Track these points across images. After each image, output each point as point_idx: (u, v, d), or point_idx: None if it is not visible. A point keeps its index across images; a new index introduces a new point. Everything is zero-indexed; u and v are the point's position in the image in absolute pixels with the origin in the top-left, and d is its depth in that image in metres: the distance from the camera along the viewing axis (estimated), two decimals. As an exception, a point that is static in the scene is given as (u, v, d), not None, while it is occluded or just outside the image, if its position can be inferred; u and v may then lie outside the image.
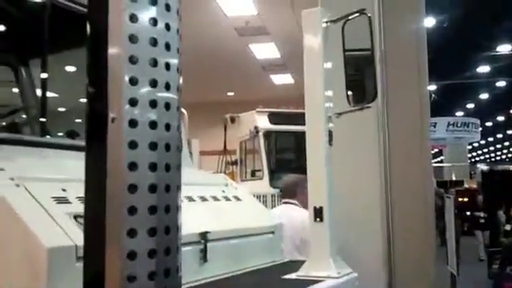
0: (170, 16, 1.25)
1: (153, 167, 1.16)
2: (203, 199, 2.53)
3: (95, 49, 1.18)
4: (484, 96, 28.30)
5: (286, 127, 8.86)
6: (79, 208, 1.70)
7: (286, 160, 9.44)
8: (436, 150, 29.93)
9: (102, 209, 1.16)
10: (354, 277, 2.53)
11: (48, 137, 2.58)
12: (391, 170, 4.23)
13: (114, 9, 1.17)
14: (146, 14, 1.18)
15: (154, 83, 1.19)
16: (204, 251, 2.19)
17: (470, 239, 14.35)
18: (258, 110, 9.01)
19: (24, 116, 3.08)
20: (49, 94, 2.88)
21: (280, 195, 5.08)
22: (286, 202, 4.87)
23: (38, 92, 3.11)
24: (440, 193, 13.50)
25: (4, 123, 2.81)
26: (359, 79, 2.95)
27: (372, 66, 2.81)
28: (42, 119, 2.74)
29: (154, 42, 1.18)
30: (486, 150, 53.39)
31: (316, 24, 2.60)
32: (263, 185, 8.17)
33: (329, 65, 2.64)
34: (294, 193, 4.87)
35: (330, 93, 2.64)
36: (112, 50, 1.16)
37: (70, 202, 1.75)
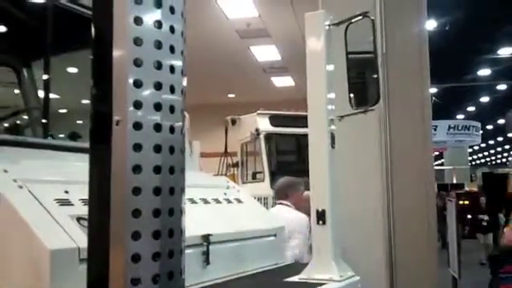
0: (175, 18, 1.25)
1: (157, 170, 1.16)
2: (205, 201, 2.53)
3: (100, 51, 1.18)
4: (485, 99, 28.30)
5: (287, 129, 8.87)
6: (82, 210, 1.70)
7: (287, 162, 9.44)
8: (437, 152, 29.93)
9: (106, 211, 1.16)
10: (356, 280, 2.53)
11: (50, 139, 2.58)
12: (393, 173, 4.23)
13: (119, 11, 1.17)
14: (151, 17, 1.18)
15: (158, 86, 1.18)
16: (206, 254, 2.19)
17: (471, 242, 14.33)
18: (259, 112, 9.02)
19: (26, 118, 3.08)
20: (51, 96, 2.88)
21: (274, 196, 5.14)
22: (280, 203, 4.90)
23: (41, 94, 3.11)
24: (442, 196, 13.50)
25: (7, 125, 2.81)
26: (362, 82, 2.95)
27: (375, 68, 2.81)
28: (45, 121, 2.74)
29: (158, 45, 1.18)
30: (486, 153, 53.36)
31: (319, 27, 2.60)
32: (264, 187, 8.17)
33: (331, 67, 2.64)
34: (285, 194, 4.91)
35: (332, 95, 2.63)
36: (116, 53, 1.16)
37: (72, 204, 1.75)
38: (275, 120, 8.99)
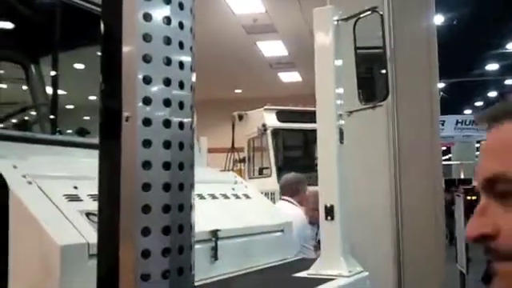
0: (184, 14, 1.25)
1: (166, 166, 1.16)
2: (213, 197, 2.53)
3: (109, 47, 1.18)
4: (492, 94, 28.16)
5: (294, 125, 8.86)
6: (91, 206, 1.71)
7: (294, 158, 9.44)
8: (444, 148, 29.83)
9: (115, 207, 1.16)
10: (365, 275, 2.53)
11: (58, 135, 2.59)
12: (401, 168, 4.22)
13: (128, 8, 1.17)
14: (160, 13, 1.18)
15: (167, 82, 1.18)
16: (215, 249, 2.19)
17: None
18: (266, 107, 9.01)
19: (34, 114, 3.09)
20: (59, 92, 2.89)
21: (281, 192, 5.11)
22: (284, 199, 4.89)
23: (49, 90, 3.12)
24: (450, 191, 13.44)
25: (15, 121, 2.82)
26: (370, 77, 2.94)
27: (383, 64, 2.80)
28: (53, 117, 2.75)
29: (167, 41, 1.18)
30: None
31: (327, 22, 2.59)
32: (271, 182, 8.17)
33: (339, 63, 2.63)
34: (295, 190, 4.89)
35: (340, 90, 2.63)
36: (126, 49, 1.16)
37: (81, 200, 1.75)
38: (282, 115, 8.98)
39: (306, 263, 2.65)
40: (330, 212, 2.50)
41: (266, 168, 8.94)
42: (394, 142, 4.22)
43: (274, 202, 6.69)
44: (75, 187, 1.81)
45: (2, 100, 3.31)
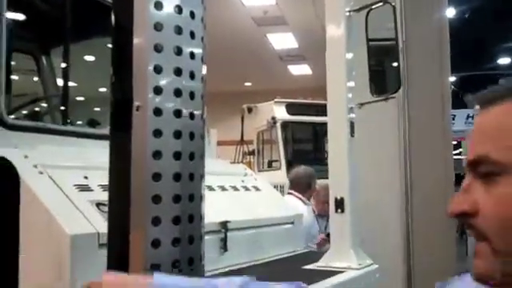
0: (195, 3, 1.24)
1: (177, 156, 1.16)
2: (223, 189, 2.53)
3: (120, 36, 1.18)
4: (505, 88, 27.85)
5: (304, 118, 8.84)
6: (101, 196, 1.71)
7: (304, 151, 9.42)
8: (454, 142, 29.64)
9: (126, 197, 1.16)
10: (374, 268, 2.52)
11: (69, 125, 2.60)
12: (412, 161, 4.19)
13: (139, -4, 1.16)
14: (171, 2, 1.17)
15: (178, 72, 1.18)
16: (224, 240, 2.19)
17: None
18: (275, 100, 8.99)
19: (46, 105, 3.11)
20: (70, 83, 2.89)
21: (290, 186, 5.04)
22: (291, 194, 4.84)
23: (60, 81, 3.13)
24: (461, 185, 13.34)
25: (26, 111, 2.84)
26: (382, 69, 2.92)
27: (395, 56, 2.77)
28: (64, 108, 2.75)
29: (178, 30, 1.18)
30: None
31: (339, 13, 2.57)
32: (280, 175, 8.16)
33: (351, 55, 2.61)
34: (308, 186, 4.83)
35: (352, 83, 2.61)
36: (137, 38, 1.16)
37: (92, 190, 1.76)
38: (292, 108, 8.95)
39: (315, 255, 2.65)
40: (340, 204, 2.50)
41: (276, 161, 8.93)
42: (404, 135, 4.19)
43: (284, 195, 6.69)
44: (86, 177, 1.82)
45: (14, 91, 3.33)
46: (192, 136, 1.21)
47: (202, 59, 1.26)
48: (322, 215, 4.84)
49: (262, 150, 9.53)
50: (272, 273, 2.21)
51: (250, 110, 9.38)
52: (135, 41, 1.15)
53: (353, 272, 2.37)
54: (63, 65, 3.00)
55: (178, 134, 1.19)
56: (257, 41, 11.51)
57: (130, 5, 1.14)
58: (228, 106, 11.17)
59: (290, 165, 8.14)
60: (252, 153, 9.56)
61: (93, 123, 2.79)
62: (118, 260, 1.14)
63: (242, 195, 2.66)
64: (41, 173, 1.69)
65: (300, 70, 13.83)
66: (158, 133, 1.16)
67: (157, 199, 1.16)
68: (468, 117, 26.14)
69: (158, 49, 1.15)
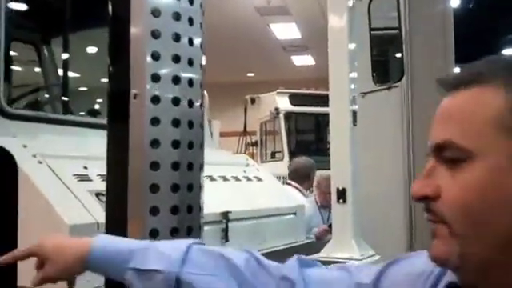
0: (194, -11, 1.22)
1: (175, 144, 1.14)
2: (224, 179, 2.52)
3: (117, 22, 1.16)
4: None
5: (307, 108, 8.81)
6: (101, 186, 1.70)
7: (307, 141, 9.40)
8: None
9: (123, 186, 1.15)
10: (376, 259, 2.50)
11: (70, 115, 2.59)
12: (415, 151, 4.17)
13: (137, -19, 1.13)
14: (169, -13, 1.15)
15: (176, 59, 1.16)
16: (225, 231, 2.18)
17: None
18: (278, 91, 8.95)
19: (46, 94, 3.09)
20: (71, 73, 2.88)
21: (288, 177, 5.02)
22: (290, 184, 4.81)
23: (61, 71, 3.12)
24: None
25: (27, 101, 2.82)
26: (385, 58, 2.89)
27: (399, 45, 2.75)
28: (65, 97, 2.74)
29: (176, 16, 1.15)
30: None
31: (341, 3, 2.54)
32: (283, 166, 8.15)
33: (353, 45, 2.58)
34: (307, 177, 4.82)
35: (354, 74, 2.58)
36: (134, 24, 1.13)
37: (91, 180, 1.75)
38: (295, 99, 8.92)
39: (317, 246, 2.64)
40: (341, 195, 2.48)
41: (279, 152, 8.92)
42: (408, 124, 4.17)
43: (286, 186, 6.67)
44: (85, 167, 1.81)
45: (15, 80, 3.32)
46: (191, 124, 1.20)
47: (201, 46, 1.23)
48: (324, 206, 4.83)
49: (265, 140, 9.51)
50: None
51: (252, 100, 9.34)
52: (132, 27, 1.13)
53: (354, 263, 2.36)
54: (64, 54, 2.98)
55: (176, 123, 1.17)
56: (260, 31, 11.45)
57: (127, -10, 1.11)
58: (231, 97, 11.14)
59: (292, 155, 8.12)
60: (255, 144, 9.54)
61: (94, 113, 2.78)
62: (116, 250, 1.13)
63: (244, 185, 2.65)
64: (40, 162, 1.68)
65: (303, 60, 13.77)
66: (155, 121, 1.15)
67: (155, 188, 1.15)
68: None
69: (155, 35, 1.13)
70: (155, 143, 1.14)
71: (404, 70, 2.76)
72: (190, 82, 1.22)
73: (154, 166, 1.14)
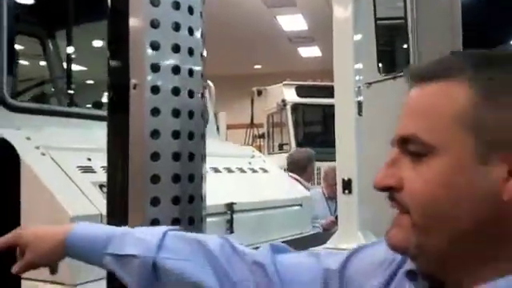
0: (193, -23, 1.20)
1: (176, 135, 1.13)
2: (229, 170, 2.51)
3: (116, 12, 1.15)
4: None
5: (314, 100, 8.77)
6: (104, 177, 1.69)
7: (314, 133, 9.37)
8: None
9: (124, 177, 1.14)
10: (382, 250, 2.49)
11: (74, 107, 2.59)
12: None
13: (135, -30, 1.12)
14: (168, -25, 1.13)
15: (176, 48, 1.14)
16: (230, 222, 2.18)
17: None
18: (285, 82, 8.92)
19: (51, 87, 3.10)
20: (76, 66, 2.88)
21: (287, 169, 5.00)
22: (290, 176, 4.79)
23: (65, 64, 3.12)
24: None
25: (32, 94, 2.83)
26: (391, 48, 2.87)
27: (405, 34, 2.72)
28: (69, 90, 2.74)
29: (176, 5, 1.14)
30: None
31: (346, -8, 2.51)
32: (290, 158, 8.13)
33: (359, 36, 2.56)
34: (305, 168, 4.79)
35: (359, 64, 2.56)
36: (133, 13, 1.12)
37: (95, 172, 1.75)
38: (302, 90, 8.89)
39: (323, 237, 2.63)
40: (347, 186, 2.47)
41: (286, 144, 8.90)
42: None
43: (293, 178, 6.65)
44: (89, 159, 1.80)
45: (20, 73, 3.32)
46: (191, 115, 1.18)
47: (202, 36, 1.22)
48: (331, 197, 4.82)
49: (272, 132, 9.49)
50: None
51: (259, 92, 9.32)
52: (131, 16, 1.12)
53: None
54: (68, 47, 2.98)
55: (176, 113, 1.16)
56: (266, 23, 11.40)
57: (126, -21, 1.10)
58: (238, 90, 11.12)
59: (300, 147, 8.11)
60: (262, 136, 9.52)
61: (98, 105, 2.77)
62: (118, 241, 1.12)
63: (249, 177, 2.64)
64: (43, 154, 1.68)
65: (310, 52, 13.70)
66: (155, 111, 1.14)
67: (155, 179, 1.14)
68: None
69: (154, 25, 1.12)
70: (155, 134, 1.13)
71: (410, 59, 2.74)
72: (191, 72, 1.20)
73: (155, 156, 1.13)
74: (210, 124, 2.96)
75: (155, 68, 1.14)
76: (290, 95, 8.79)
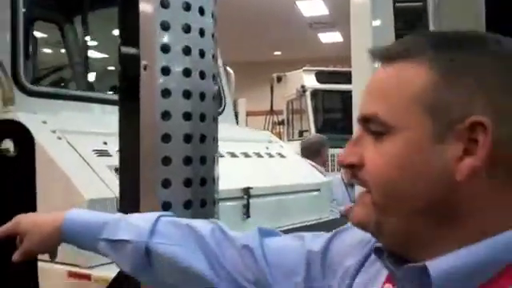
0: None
1: (187, 116, 1.12)
2: (246, 155, 2.50)
3: (126, -8, 1.14)
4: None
5: (334, 86, 8.68)
6: (120, 161, 1.70)
7: (334, 119, 9.29)
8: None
9: (136, 159, 1.14)
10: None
11: (91, 91, 2.60)
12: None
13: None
14: (179, -45, 1.12)
15: (187, 29, 1.13)
16: (247, 207, 2.17)
17: None
18: (304, 68, 8.85)
19: (69, 72, 3.11)
20: (95, 53, 2.88)
21: (302, 155, 4.99)
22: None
23: (84, 49, 3.13)
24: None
25: (51, 80, 2.85)
26: (409, 32, 2.80)
27: (424, 17, 2.66)
28: (87, 75, 2.75)
29: (187, -15, 1.12)
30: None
31: (364, -27, 2.46)
32: (310, 144, 8.09)
33: (378, 20, 2.50)
34: (318, 152, 4.79)
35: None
36: (143, -7, 1.11)
37: (110, 155, 1.75)
38: (321, 76, 8.80)
39: (341, 222, 2.61)
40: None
41: (306, 130, 8.85)
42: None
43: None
44: (105, 143, 1.81)
45: (40, 60, 3.35)
46: (203, 96, 1.17)
47: (213, 16, 1.20)
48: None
49: (292, 119, 9.44)
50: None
51: (279, 79, 9.27)
52: (141, -4, 1.11)
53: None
54: (86, 33, 2.99)
55: (187, 94, 1.15)
56: (286, 8, 11.32)
57: (136, -41, 1.09)
58: (257, 76, 11.07)
59: (320, 133, 8.07)
60: (282, 122, 9.49)
61: (115, 89, 2.78)
62: (129, 223, 1.12)
63: (266, 162, 2.63)
64: (59, 138, 1.69)
65: (330, 37, 13.57)
66: (166, 93, 1.13)
67: (167, 161, 1.13)
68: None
69: (164, 4, 1.11)
70: (166, 115, 1.12)
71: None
72: (202, 53, 1.19)
73: (166, 138, 1.13)
74: (228, 109, 2.95)
75: (165, 49, 1.13)
76: (310, 81, 8.72)
